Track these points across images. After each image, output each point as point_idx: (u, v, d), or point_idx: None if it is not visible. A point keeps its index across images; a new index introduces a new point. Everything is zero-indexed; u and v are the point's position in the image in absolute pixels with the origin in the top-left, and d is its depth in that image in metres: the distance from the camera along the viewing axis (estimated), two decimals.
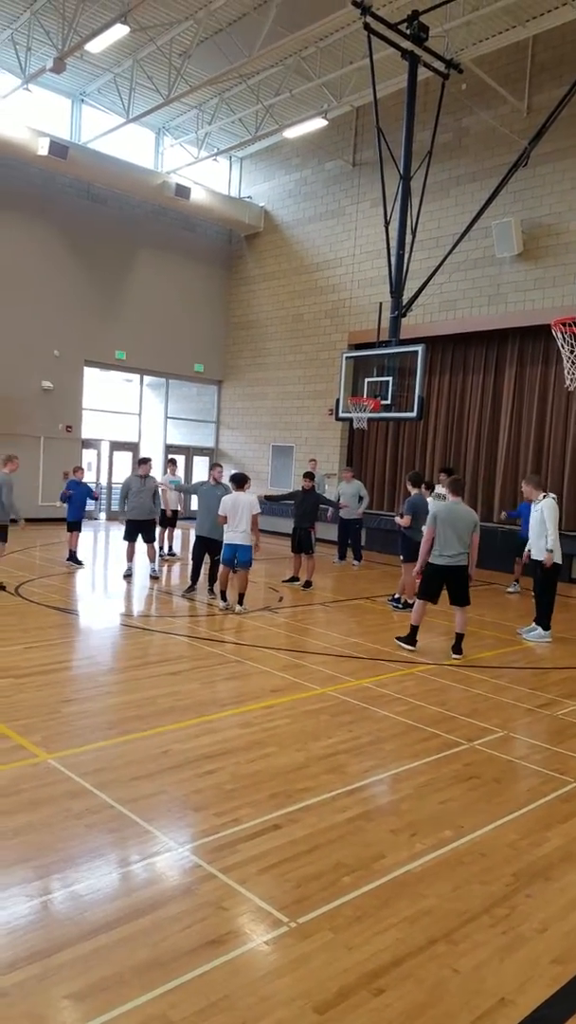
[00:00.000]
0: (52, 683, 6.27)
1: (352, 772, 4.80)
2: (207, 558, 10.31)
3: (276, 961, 2.93)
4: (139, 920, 3.14)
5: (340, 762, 4.94)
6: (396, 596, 10.61)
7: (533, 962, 3.06)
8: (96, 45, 13.80)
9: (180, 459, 19.34)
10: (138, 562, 12.02)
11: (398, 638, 8.28)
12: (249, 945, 3.01)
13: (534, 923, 3.32)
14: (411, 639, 8.12)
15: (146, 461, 11.83)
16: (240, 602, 9.53)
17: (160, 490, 12.17)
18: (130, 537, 11.59)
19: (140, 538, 11.53)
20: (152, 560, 11.78)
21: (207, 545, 10.19)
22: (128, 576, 11.54)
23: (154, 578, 11.63)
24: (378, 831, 4.06)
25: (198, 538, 10.31)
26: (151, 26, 14.68)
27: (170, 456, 17.21)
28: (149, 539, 11.66)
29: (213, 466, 11.11)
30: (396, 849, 3.88)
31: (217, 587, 9.92)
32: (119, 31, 13.24)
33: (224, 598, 9.72)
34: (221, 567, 9.69)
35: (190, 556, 10.95)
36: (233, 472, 10.19)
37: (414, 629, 8.13)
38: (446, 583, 7.96)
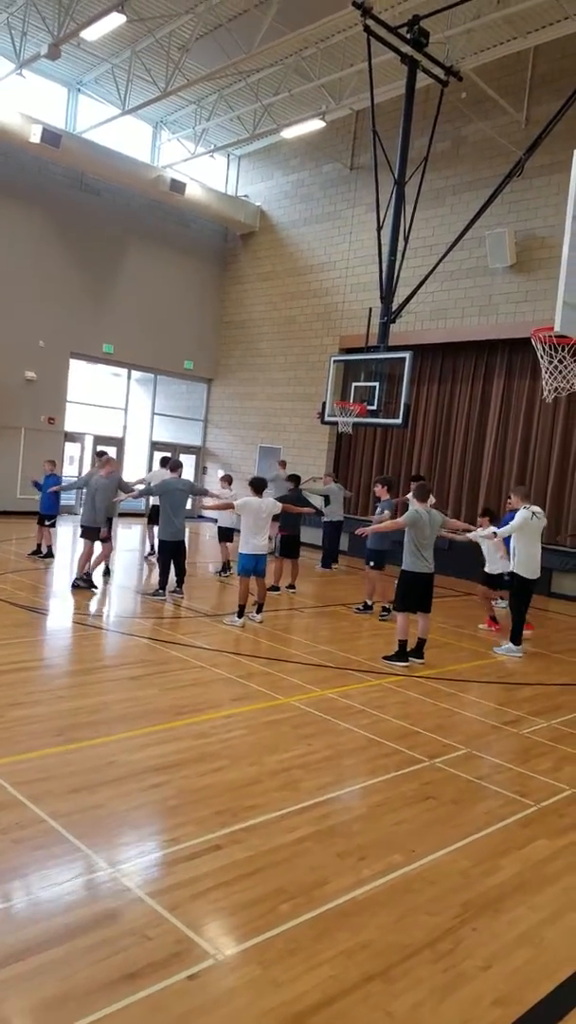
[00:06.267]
0: (2, 685, 6.05)
1: (305, 789, 4.61)
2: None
3: (195, 999, 2.73)
4: (53, 950, 2.92)
5: (294, 778, 4.75)
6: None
7: (473, 1003, 2.89)
8: (92, 33, 13.59)
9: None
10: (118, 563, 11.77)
11: (385, 657, 7.93)
12: (169, 981, 2.80)
13: (478, 960, 3.14)
14: (402, 655, 7.88)
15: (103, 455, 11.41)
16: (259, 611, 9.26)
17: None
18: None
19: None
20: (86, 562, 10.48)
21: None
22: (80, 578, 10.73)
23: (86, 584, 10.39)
24: (325, 854, 3.87)
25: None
26: (150, 17, 14.48)
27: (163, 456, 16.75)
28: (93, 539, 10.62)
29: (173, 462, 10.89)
30: (341, 875, 3.69)
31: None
32: (116, 20, 13.04)
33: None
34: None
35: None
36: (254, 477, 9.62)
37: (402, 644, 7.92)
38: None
